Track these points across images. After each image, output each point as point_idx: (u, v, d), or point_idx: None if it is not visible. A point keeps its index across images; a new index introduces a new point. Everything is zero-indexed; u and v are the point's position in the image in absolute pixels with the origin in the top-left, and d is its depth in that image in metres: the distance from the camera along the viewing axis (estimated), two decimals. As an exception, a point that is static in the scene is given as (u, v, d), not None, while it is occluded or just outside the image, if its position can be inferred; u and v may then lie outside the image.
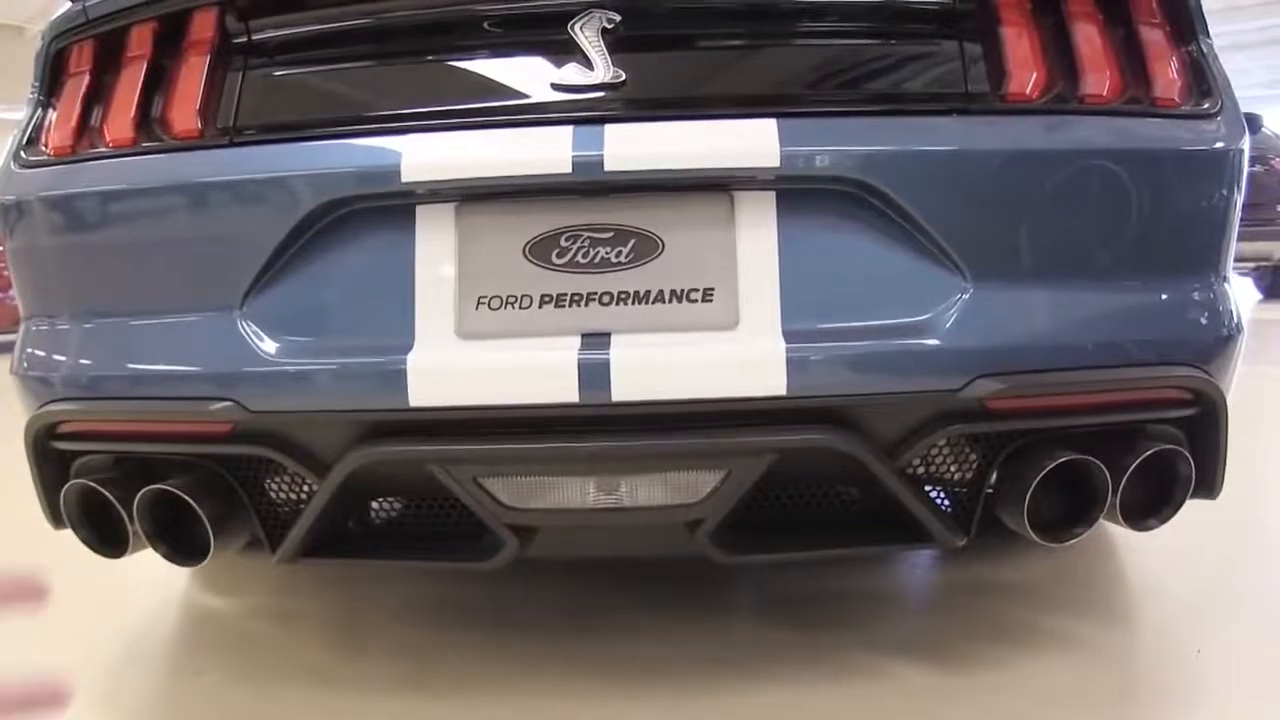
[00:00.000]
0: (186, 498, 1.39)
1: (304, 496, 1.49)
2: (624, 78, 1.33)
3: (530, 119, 1.33)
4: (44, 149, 1.57)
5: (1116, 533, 2.14)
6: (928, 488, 1.45)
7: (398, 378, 1.28)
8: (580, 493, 1.34)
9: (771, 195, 1.31)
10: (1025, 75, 1.39)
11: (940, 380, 1.29)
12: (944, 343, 1.28)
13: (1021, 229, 1.35)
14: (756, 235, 1.30)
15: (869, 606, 1.89)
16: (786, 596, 1.92)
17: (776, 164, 1.27)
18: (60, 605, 1.96)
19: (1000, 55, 1.39)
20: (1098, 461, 1.35)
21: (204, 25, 1.49)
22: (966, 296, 1.31)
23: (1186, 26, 1.48)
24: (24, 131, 1.61)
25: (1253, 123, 8.29)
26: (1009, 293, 1.32)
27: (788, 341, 1.27)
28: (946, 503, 1.46)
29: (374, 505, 1.56)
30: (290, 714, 1.53)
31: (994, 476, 1.43)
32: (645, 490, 1.34)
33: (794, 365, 1.25)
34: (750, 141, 1.28)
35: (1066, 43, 1.41)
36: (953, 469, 1.45)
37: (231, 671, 1.69)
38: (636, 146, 1.28)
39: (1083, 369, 1.35)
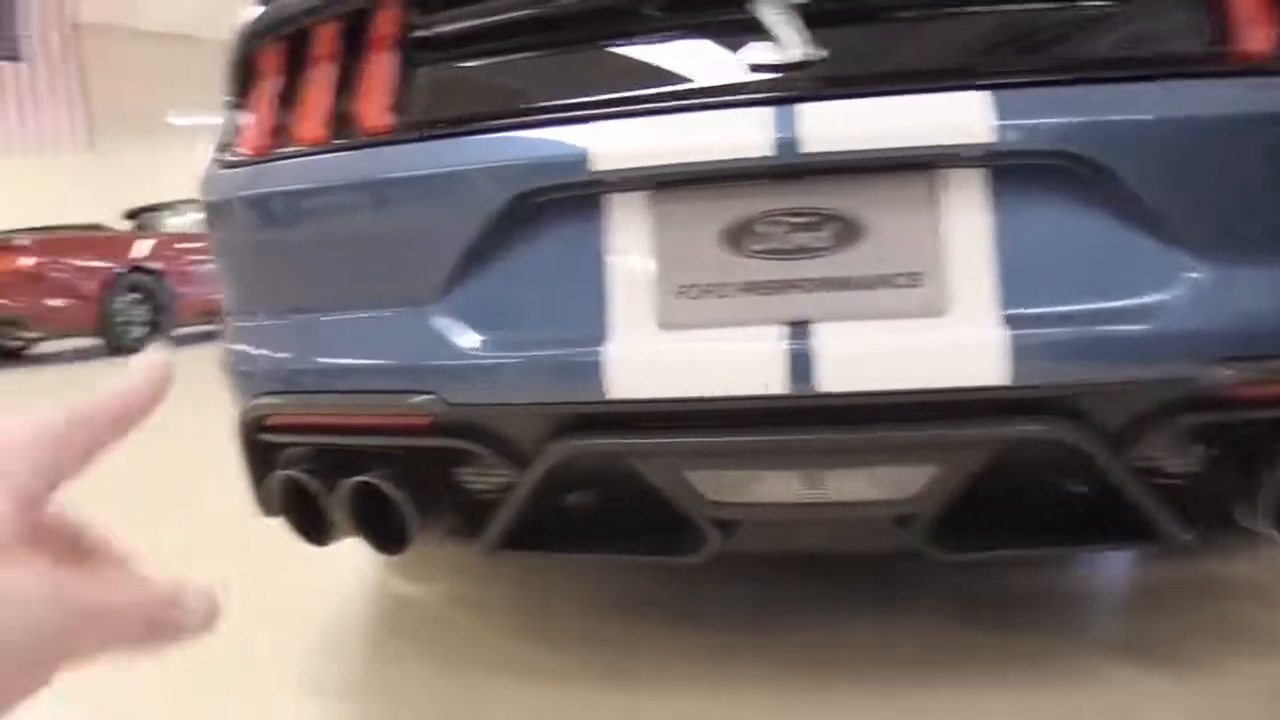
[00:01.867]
0: (388, 489, 1.41)
1: (503, 487, 1.50)
2: (820, 54, 1.27)
3: (722, 101, 1.28)
4: (242, 150, 1.62)
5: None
6: (1157, 481, 1.35)
7: (595, 370, 1.26)
8: (786, 486, 1.31)
9: (983, 173, 1.23)
10: (1257, 32, 1.27)
11: (1176, 366, 1.19)
12: (1180, 326, 1.18)
13: (1259, 203, 1.23)
14: (967, 216, 1.23)
15: (1076, 605, 1.79)
16: (981, 594, 1.84)
17: (989, 139, 1.19)
18: (264, 588, 2.05)
19: (1228, 12, 1.28)
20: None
21: (388, 21, 1.50)
22: (1200, 276, 1.20)
23: None
24: (223, 133, 1.67)
25: None
26: (1249, 271, 1.21)
27: (1008, 328, 1.19)
28: (1176, 497, 1.36)
29: (572, 497, 1.56)
30: (492, 705, 1.55)
31: (1229, 469, 1.32)
32: (854, 484, 1.29)
33: (1016, 353, 1.18)
34: (960, 116, 1.20)
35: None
36: (1185, 461, 1.35)
37: (432, 659, 1.73)
38: (837, 125, 1.22)
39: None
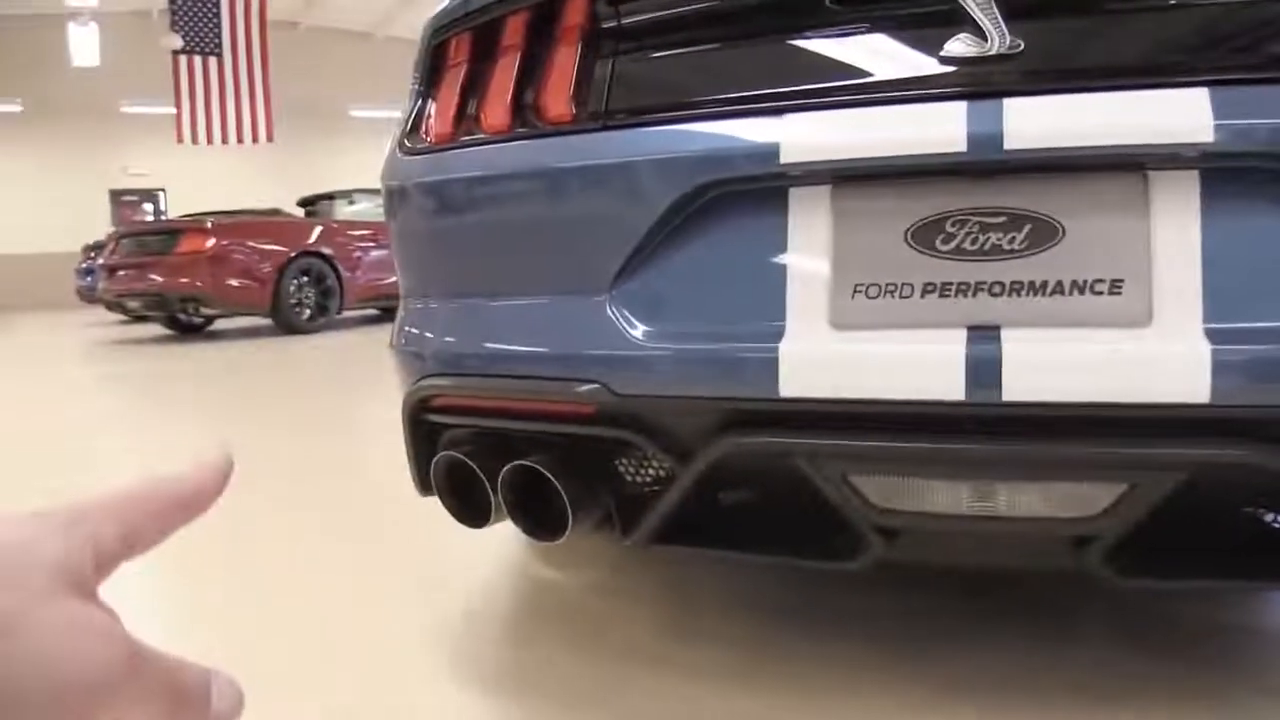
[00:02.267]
0: (549, 475, 1.42)
1: (660, 480, 1.49)
2: (1022, 46, 1.21)
3: (915, 95, 1.24)
4: (425, 137, 1.66)
5: None
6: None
7: (768, 366, 1.24)
8: (955, 497, 1.25)
9: (1195, 175, 1.15)
10: None
11: None
12: None
13: None
14: (1175, 220, 1.15)
15: (1258, 645, 1.66)
16: (1146, 624, 1.73)
17: (1209, 139, 1.11)
18: (407, 568, 2.10)
19: None
20: None
21: (575, 12, 1.51)
22: None
23: None
24: (407, 120, 1.71)
25: None
26: None
27: (1212, 342, 1.11)
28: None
29: (728, 495, 1.54)
30: (626, 694, 1.54)
31: None
32: (1029, 499, 1.22)
33: (1219, 369, 1.09)
34: (1176, 115, 1.12)
35: None
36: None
37: (568, 646, 1.73)
38: (1040, 122, 1.16)
39: None
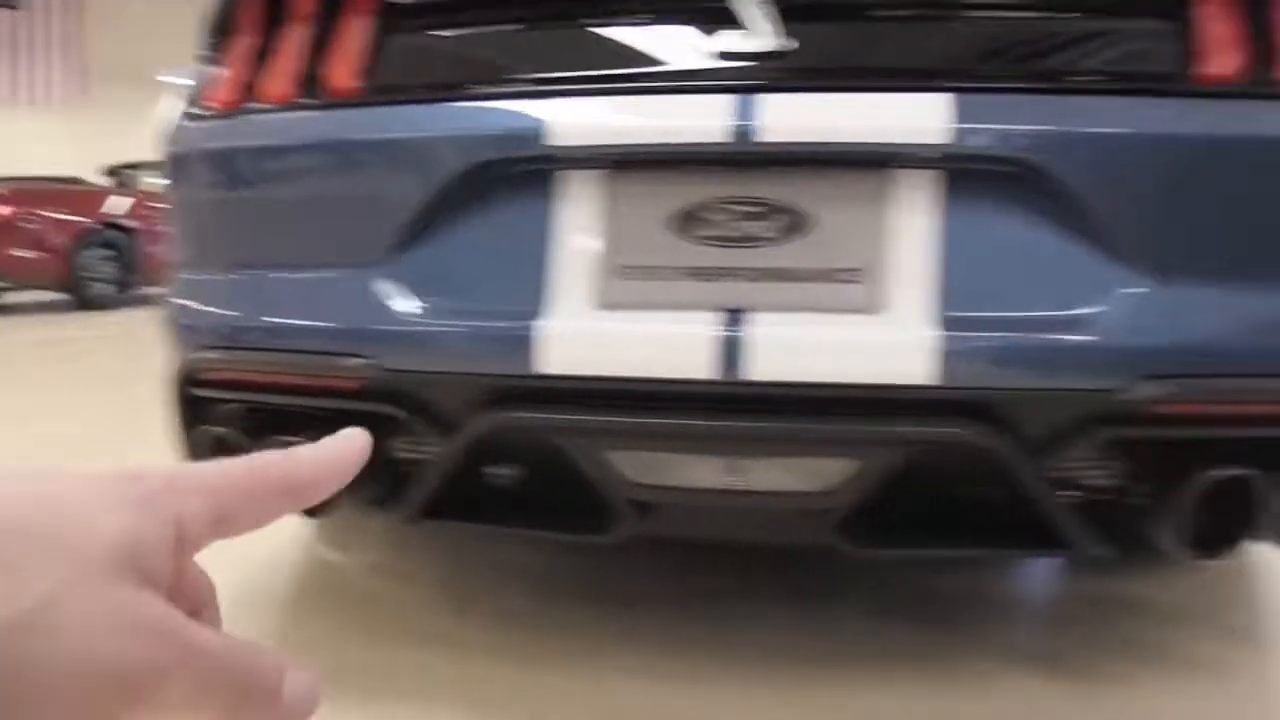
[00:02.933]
0: (314, 450, 1.39)
1: (426, 455, 1.49)
2: (787, 46, 1.27)
3: (685, 86, 1.29)
4: (210, 104, 1.60)
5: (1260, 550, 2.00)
6: (1075, 492, 1.36)
7: (529, 344, 1.26)
8: (706, 472, 1.30)
9: (934, 175, 1.24)
10: (1219, 55, 1.28)
11: (1100, 379, 1.20)
12: (1109, 340, 1.19)
13: (1202, 223, 1.25)
14: (912, 215, 1.23)
15: (990, 612, 1.80)
16: (903, 595, 1.86)
17: (947, 141, 1.19)
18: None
19: (1196, 33, 1.29)
20: (1260, 474, 1.24)
21: (362, -14, 1.49)
22: (1135, 292, 1.21)
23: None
24: (193, 87, 1.65)
25: None
26: (1183, 290, 1.22)
27: (938, 329, 1.20)
28: (1092, 510, 1.37)
29: (494, 470, 1.55)
30: (396, 670, 1.54)
31: (1148, 486, 1.33)
32: (774, 474, 1.29)
33: (945, 354, 1.18)
34: (920, 117, 1.21)
35: (1267, 23, 1.30)
36: (1103, 475, 1.36)
37: (343, 621, 1.72)
38: (798, 117, 1.22)
39: (1261, 376, 1.24)
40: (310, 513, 1.48)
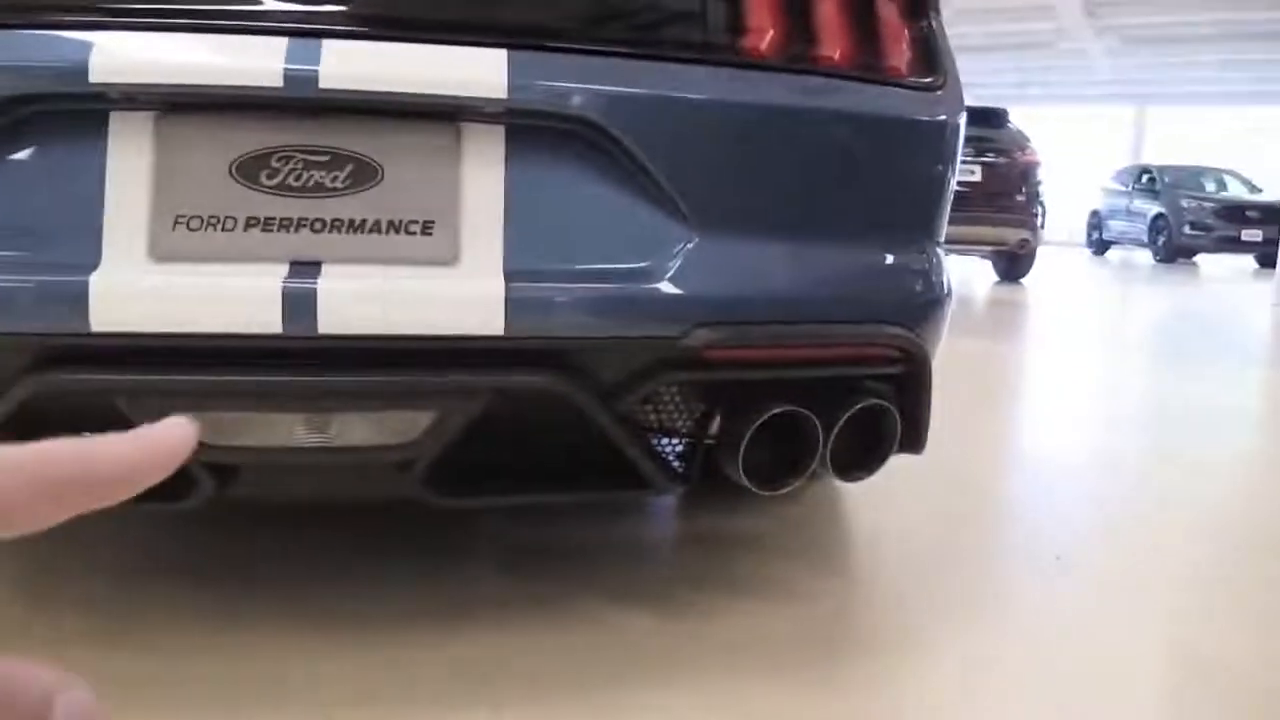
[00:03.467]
0: None
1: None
2: (348, -8, 1.25)
3: (244, 27, 1.23)
4: None
5: (842, 487, 2.26)
6: (652, 435, 1.46)
7: (79, 299, 1.16)
8: (285, 431, 1.27)
9: (500, 130, 1.27)
10: (763, 31, 1.41)
11: (660, 327, 1.29)
12: (665, 290, 1.29)
13: (747, 182, 1.37)
14: (483, 170, 1.26)
15: (602, 557, 1.90)
16: (521, 547, 1.92)
17: (504, 95, 1.23)
18: None
19: (741, 9, 1.41)
20: (810, 414, 1.40)
21: None
22: (690, 246, 1.32)
23: (919, 2, 1.55)
24: None
25: (999, 117, 8.95)
26: (732, 244, 1.34)
27: (508, 281, 1.23)
28: (670, 450, 1.48)
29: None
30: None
31: (714, 425, 1.46)
32: (353, 429, 1.28)
33: (513, 305, 1.22)
34: (479, 71, 1.23)
35: (806, 5, 1.44)
36: (675, 417, 1.47)
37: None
38: (357, 65, 1.21)
39: (799, 323, 1.39)
40: None
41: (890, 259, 1.50)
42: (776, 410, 1.38)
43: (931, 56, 1.57)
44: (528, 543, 1.93)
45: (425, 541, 1.89)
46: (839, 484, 2.10)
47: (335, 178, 1.22)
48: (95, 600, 1.62)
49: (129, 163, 1.21)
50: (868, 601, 1.78)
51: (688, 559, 1.97)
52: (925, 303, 1.53)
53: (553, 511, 2.02)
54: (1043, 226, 9.28)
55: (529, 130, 1.28)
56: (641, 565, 1.93)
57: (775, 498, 1.77)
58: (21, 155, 1.22)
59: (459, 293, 1.22)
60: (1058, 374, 4.79)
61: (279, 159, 1.22)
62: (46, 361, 1.21)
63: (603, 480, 1.43)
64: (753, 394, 1.42)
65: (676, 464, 1.45)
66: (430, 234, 1.23)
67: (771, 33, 1.43)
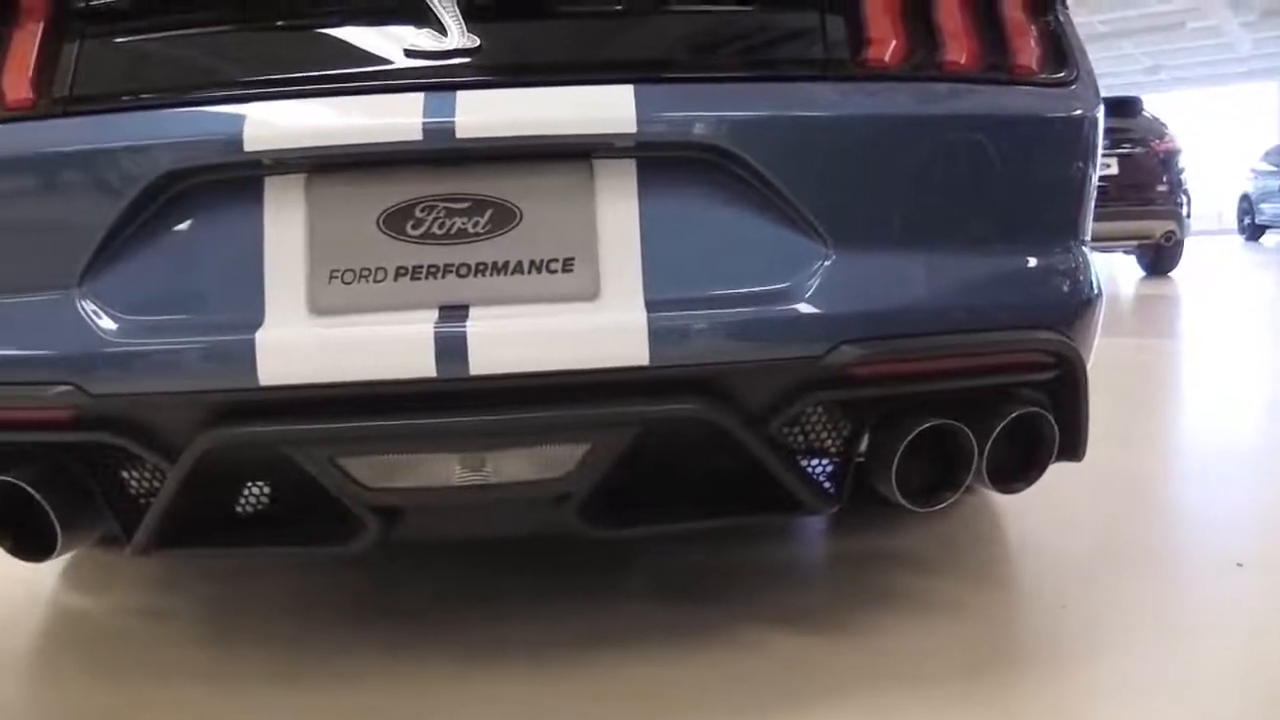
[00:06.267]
0: (29, 489, 1.32)
1: (159, 484, 1.43)
2: (478, 43, 1.30)
3: (380, 85, 1.29)
4: None
5: (998, 497, 2.19)
6: (800, 456, 1.45)
7: (245, 356, 1.23)
8: (443, 471, 1.31)
9: (631, 163, 1.29)
10: (885, 42, 1.40)
11: (803, 347, 1.28)
12: (806, 309, 1.28)
13: (883, 195, 1.35)
14: (617, 203, 1.28)
15: (753, 580, 1.89)
16: (669, 572, 1.92)
17: (633, 130, 1.25)
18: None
19: (860, 22, 1.40)
20: (963, 426, 1.36)
21: (38, -10, 1.41)
22: (828, 263, 1.30)
23: (1045, -3, 1.51)
24: None
25: (1132, 106, 8.59)
26: (871, 259, 1.33)
27: (650, 311, 1.25)
28: (820, 470, 1.46)
29: (240, 494, 1.51)
30: (157, 713, 1.47)
31: (863, 443, 1.43)
32: (510, 466, 1.31)
33: (656, 335, 1.24)
34: (606, 108, 1.25)
35: (926, 10, 1.42)
36: (823, 436, 1.45)
37: (97, 672, 1.62)
38: (490, 113, 1.25)
39: (945, 334, 1.36)
40: (35, 558, 1.40)
41: (1036, 261, 1.45)
42: (928, 424, 1.35)
43: (1061, 51, 1.53)
44: (682, 567, 1.93)
45: (584, 571, 1.92)
46: (990, 493, 2.04)
47: (476, 223, 1.26)
48: (277, 639, 1.70)
49: (284, 224, 1.28)
50: (1030, 614, 1.72)
51: (841, 578, 1.94)
52: (1075, 304, 1.47)
53: (705, 535, 2.02)
54: (1189, 216, 8.83)
55: (659, 161, 1.29)
56: (796, 586, 1.91)
57: (928, 513, 1.73)
58: (185, 224, 1.30)
59: (602, 326, 1.24)
60: (1217, 370, 4.54)
61: (422, 209, 1.26)
62: (219, 417, 1.28)
63: (754, 504, 1.42)
64: (902, 409, 1.40)
65: (826, 484, 1.43)
66: (571, 270, 1.26)
67: (894, 42, 1.41)
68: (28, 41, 1.39)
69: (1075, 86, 1.49)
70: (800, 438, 1.44)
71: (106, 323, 1.28)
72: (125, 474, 1.45)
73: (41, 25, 1.39)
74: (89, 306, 1.29)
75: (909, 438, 1.34)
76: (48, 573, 2.04)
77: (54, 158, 1.31)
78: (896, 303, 1.34)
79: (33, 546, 1.39)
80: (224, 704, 1.47)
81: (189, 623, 1.81)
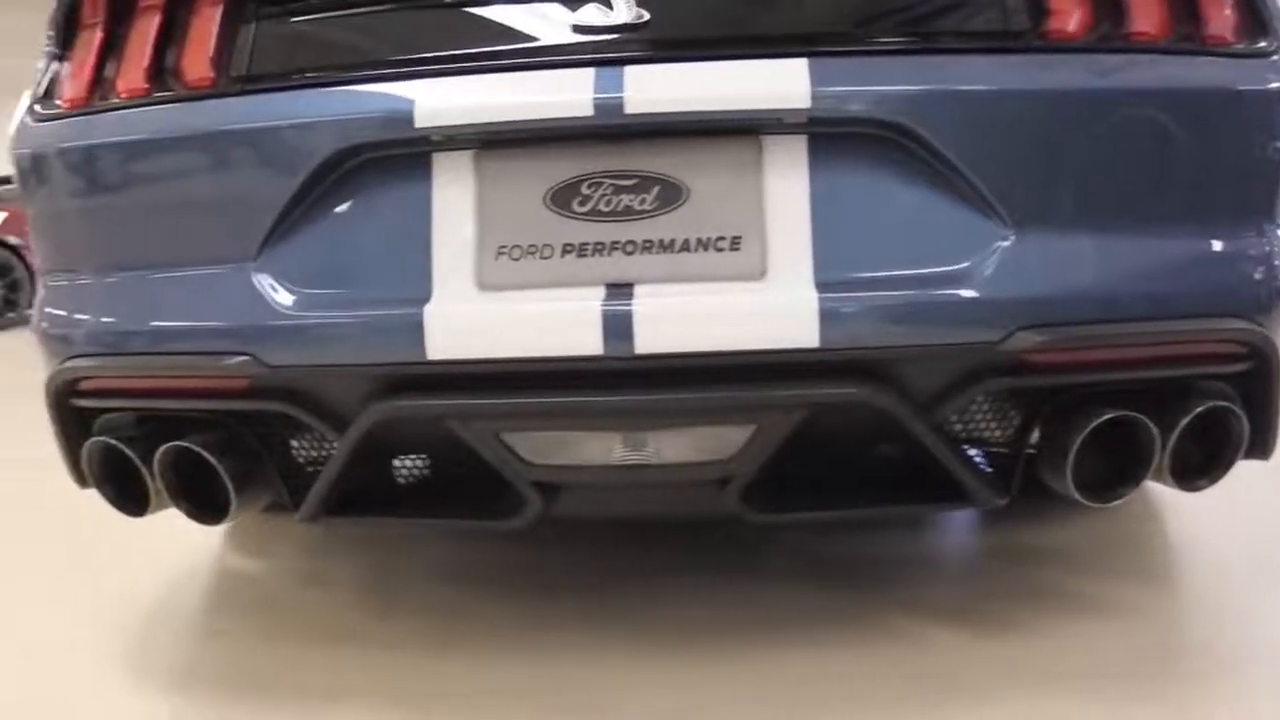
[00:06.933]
0: (206, 455, 1.37)
1: (326, 454, 1.47)
2: (647, 17, 1.28)
3: (549, 62, 1.28)
4: (59, 102, 1.54)
5: (1157, 492, 2.08)
6: (966, 445, 1.40)
7: (414, 330, 1.24)
8: (605, 449, 1.31)
9: (802, 139, 1.25)
10: (1068, 11, 1.32)
11: (979, 332, 1.23)
12: (983, 293, 1.22)
13: (1064, 173, 1.29)
14: (786, 181, 1.25)
15: (907, 569, 1.85)
16: (823, 559, 1.88)
17: (807, 105, 1.21)
18: (96, 562, 1.97)
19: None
20: (1145, 419, 1.29)
21: (217, -28, 1.44)
22: (1007, 244, 1.25)
23: (1240, -40, 1.41)
24: (39, 85, 1.58)
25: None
26: (1052, 240, 1.26)
27: (819, 292, 1.21)
28: (986, 461, 1.40)
29: (399, 464, 1.53)
30: (308, 672, 1.52)
31: (1036, 434, 1.37)
32: (672, 446, 1.30)
33: (826, 316, 1.20)
34: (779, 82, 1.22)
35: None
36: (993, 426, 1.40)
37: (256, 632, 1.68)
38: (659, 88, 1.23)
39: (1130, 321, 1.28)
40: (210, 521, 1.45)
41: (1227, 245, 1.36)
42: (1108, 417, 1.28)
43: (1259, 19, 1.42)
44: (830, 556, 1.89)
45: (730, 550, 1.90)
46: (1154, 487, 1.94)
47: (643, 200, 1.25)
48: (433, 607, 1.73)
49: (452, 200, 1.29)
50: (1200, 616, 1.63)
51: (993, 572, 1.87)
52: (1270, 291, 1.37)
53: (850, 524, 1.98)
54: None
55: (831, 137, 1.26)
56: (947, 578, 1.86)
57: (1092, 508, 1.65)
58: (356, 200, 1.32)
59: (770, 306, 1.22)
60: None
61: (589, 185, 1.25)
62: (386, 390, 1.30)
63: (918, 494, 1.38)
64: (1080, 398, 1.33)
65: (996, 476, 1.37)
66: (738, 249, 1.23)
67: (1078, 11, 1.33)
68: (207, 23, 1.42)
69: (1275, 57, 1.39)
70: (969, 426, 1.39)
71: (282, 296, 1.31)
72: (293, 443, 1.50)
73: (219, 6, 1.43)
74: (266, 280, 1.32)
75: (1088, 429, 1.27)
76: (212, 536, 2.13)
77: (233, 135, 1.35)
78: (1077, 287, 1.27)
79: (208, 511, 1.44)
80: (384, 670, 1.51)
81: (348, 589, 1.86)
